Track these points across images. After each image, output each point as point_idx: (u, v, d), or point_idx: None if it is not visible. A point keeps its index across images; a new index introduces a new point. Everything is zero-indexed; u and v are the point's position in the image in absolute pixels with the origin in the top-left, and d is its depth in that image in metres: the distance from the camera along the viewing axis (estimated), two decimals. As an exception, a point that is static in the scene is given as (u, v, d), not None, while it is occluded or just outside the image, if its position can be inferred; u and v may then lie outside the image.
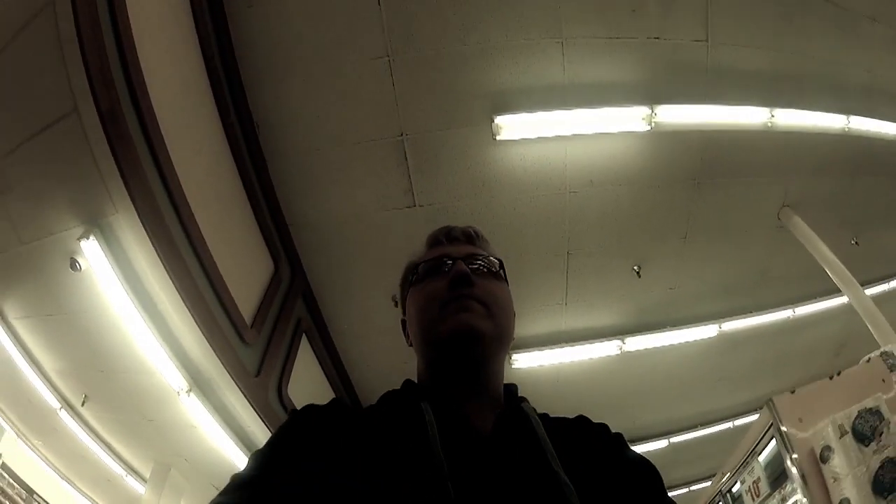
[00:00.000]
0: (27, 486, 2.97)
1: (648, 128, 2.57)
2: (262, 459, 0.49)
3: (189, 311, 1.85)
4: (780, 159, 3.18)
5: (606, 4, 2.45)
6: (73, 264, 1.81)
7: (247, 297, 2.21)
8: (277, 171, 2.50)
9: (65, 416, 2.53)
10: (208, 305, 1.90)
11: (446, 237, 0.67)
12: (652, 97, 2.58)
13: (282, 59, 2.34)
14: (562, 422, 0.59)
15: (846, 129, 3.28)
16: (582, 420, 0.60)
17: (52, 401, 2.46)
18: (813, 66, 3.13)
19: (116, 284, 1.79)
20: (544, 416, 0.58)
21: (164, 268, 1.75)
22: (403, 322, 0.67)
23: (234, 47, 2.28)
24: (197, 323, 1.87)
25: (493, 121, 2.43)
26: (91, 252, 1.70)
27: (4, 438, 2.80)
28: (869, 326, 3.12)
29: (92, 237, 1.66)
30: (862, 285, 4.27)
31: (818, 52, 3.10)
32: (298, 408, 0.56)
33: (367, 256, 2.74)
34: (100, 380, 2.25)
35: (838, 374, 2.14)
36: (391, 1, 2.27)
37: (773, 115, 2.90)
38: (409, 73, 2.38)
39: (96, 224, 1.71)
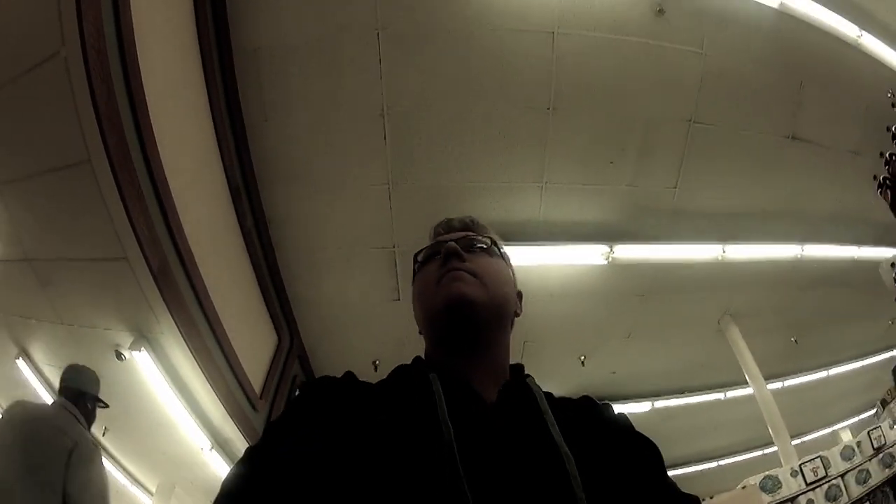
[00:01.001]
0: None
1: (605, 262, 3.04)
2: (270, 432, 0.53)
3: (214, 391, 2.41)
4: (728, 281, 3.66)
5: (588, 156, 2.86)
6: (119, 356, 2.34)
7: (257, 371, 2.77)
8: (284, 259, 2.98)
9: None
10: (228, 385, 2.47)
11: (444, 228, 0.73)
12: (613, 236, 3.04)
13: (292, 169, 2.76)
14: (566, 400, 0.62)
15: (799, 257, 3.71)
16: (586, 399, 0.64)
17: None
18: (778, 201, 3.51)
19: (156, 374, 2.33)
20: (548, 394, 0.60)
21: (197, 364, 2.29)
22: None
23: (252, 156, 2.69)
24: (219, 398, 2.44)
25: (471, 248, 2.89)
26: (140, 358, 2.23)
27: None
28: (769, 427, 3.73)
29: (143, 349, 2.19)
30: (794, 375, 4.89)
31: (788, 188, 3.47)
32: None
33: (355, 333, 3.28)
34: (123, 422, 2.83)
35: (711, 497, 2.74)
36: (396, 136, 2.68)
37: (724, 251, 3.36)
38: (405, 198, 2.82)
39: (144, 336, 2.23)
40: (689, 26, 2.78)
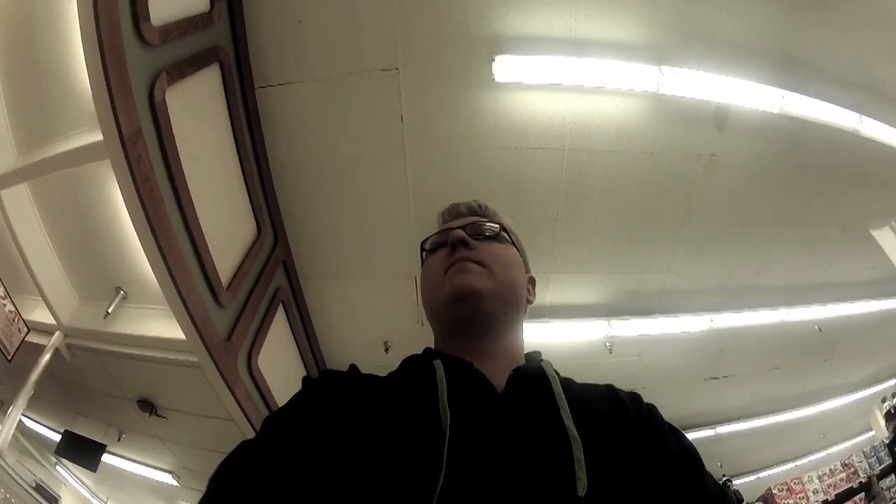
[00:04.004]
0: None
1: None
2: (269, 427, 0.55)
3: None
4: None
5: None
6: None
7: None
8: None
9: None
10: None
11: (451, 214, 0.77)
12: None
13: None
14: (588, 386, 0.63)
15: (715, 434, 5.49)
16: (610, 388, 0.65)
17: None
18: (694, 409, 5.21)
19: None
20: (568, 380, 0.62)
21: None
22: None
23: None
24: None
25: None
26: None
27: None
28: None
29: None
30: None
31: (704, 404, 5.12)
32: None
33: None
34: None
35: None
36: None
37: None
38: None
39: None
40: (629, 350, 4.27)
